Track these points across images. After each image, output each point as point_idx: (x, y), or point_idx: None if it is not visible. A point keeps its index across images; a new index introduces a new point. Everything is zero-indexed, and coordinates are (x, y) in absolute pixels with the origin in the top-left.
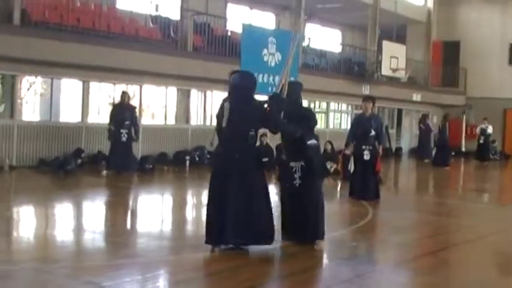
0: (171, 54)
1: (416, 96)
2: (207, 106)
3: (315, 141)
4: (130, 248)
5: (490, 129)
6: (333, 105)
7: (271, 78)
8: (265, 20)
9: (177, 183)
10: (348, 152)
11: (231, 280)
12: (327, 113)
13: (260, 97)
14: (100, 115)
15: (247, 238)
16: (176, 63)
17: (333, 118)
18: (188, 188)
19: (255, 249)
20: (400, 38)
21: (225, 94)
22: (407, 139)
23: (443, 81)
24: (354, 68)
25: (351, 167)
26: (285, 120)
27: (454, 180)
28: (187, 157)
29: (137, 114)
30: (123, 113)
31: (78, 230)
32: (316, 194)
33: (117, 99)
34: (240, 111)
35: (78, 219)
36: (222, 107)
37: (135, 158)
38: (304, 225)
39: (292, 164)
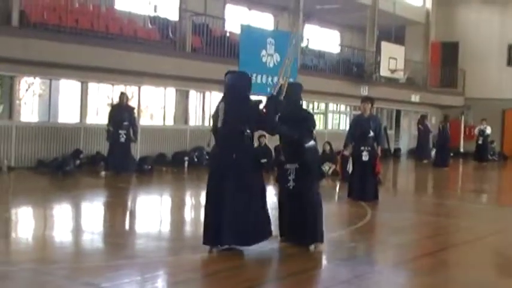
0: (169, 55)
1: (415, 97)
2: (206, 107)
3: (313, 143)
4: (129, 249)
5: (488, 130)
6: (332, 106)
7: (269, 79)
8: (264, 20)
9: (175, 184)
10: (346, 152)
11: (230, 281)
12: (325, 113)
13: (256, 97)
14: (99, 116)
15: (245, 238)
16: (175, 64)
17: (332, 119)
18: (187, 188)
19: (253, 250)
20: (399, 39)
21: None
22: (406, 140)
23: (442, 82)
24: (353, 69)
25: (350, 167)
26: (281, 122)
27: (453, 181)
28: (186, 158)
29: (136, 115)
30: (122, 114)
31: (77, 231)
32: (312, 196)
33: (116, 100)
34: (235, 111)
35: (77, 220)
36: (217, 108)
37: (133, 158)
38: (302, 227)
39: (287, 165)
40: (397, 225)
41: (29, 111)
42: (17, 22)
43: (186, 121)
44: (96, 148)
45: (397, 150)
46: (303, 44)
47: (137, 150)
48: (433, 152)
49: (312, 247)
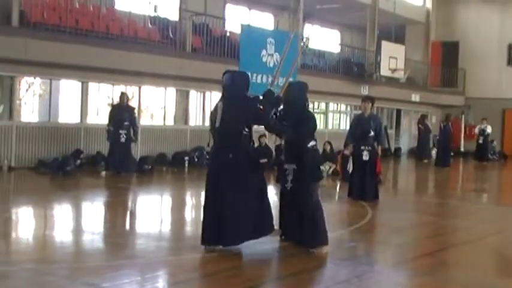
0: (169, 55)
1: (415, 97)
2: (206, 107)
3: (314, 144)
4: (129, 249)
5: (489, 129)
6: (332, 106)
7: (269, 79)
8: (264, 20)
9: (175, 184)
10: (347, 152)
11: (230, 281)
12: (325, 113)
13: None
14: (99, 116)
15: (245, 237)
16: (175, 64)
17: (332, 118)
18: (187, 188)
19: (253, 249)
20: (399, 39)
21: None
22: (406, 139)
23: (442, 82)
24: (353, 69)
25: (350, 167)
26: (279, 120)
27: (453, 181)
28: (186, 158)
29: (136, 115)
30: (122, 114)
31: (77, 231)
32: (310, 197)
33: (116, 100)
34: (232, 111)
35: (77, 220)
36: (215, 107)
37: (134, 158)
38: (301, 228)
39: (285, 166)
40: (397, 225)
41: (29, 111)
42: (17, 22)
43: (186, 121)
44: (97, 148)
45: (398, 149)
46: (303, 44)
47: (137, 150)
48: (434, 152)
49: (313, 250)
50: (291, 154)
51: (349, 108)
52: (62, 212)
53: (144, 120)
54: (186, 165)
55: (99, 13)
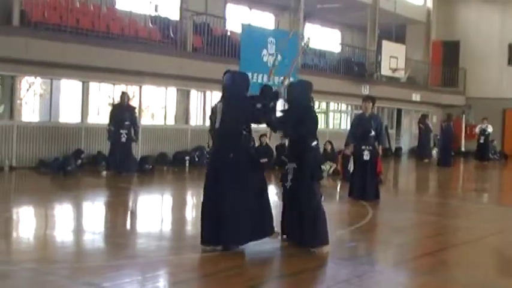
0: (170, 55)
1: (416, 96)
2: (207, 106)
3: (315, 144)
4: (130, 249)
5: (490, 129)
6: (333, 105)
7: (275, 79)
8: (265, 20)
9: (176, 183)
10: (347, 152)
11: (231, 280)
12: (326, 113)
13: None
14: (100, 116)
15: (245, 236)
16: (176, 64)
17: (333, 118)
18: (188, 188)
19: (254, 249)
20: (400, 38)
21: None
22: (407, 139)
23: (443, 81)
24: (354, 68)
25: (351, 167)
26: (278, 117)
27: (454, 180)
28: (187, 157)
29: (137, 114)
30: (123, 114)
31: (78, 230)
32: (310, 197)
33: (117, 100)
34: (232, 111)
35: (78, 220)
36: (215, 108)
37: (134, 158)
38: (301, 228)
39: (287, 165)
40: (398, 224)
41: (30, 111)
42: (18, 21)
43: (187, 121)
44: (97, 148)
45: (398, 149)
46: (304, 43)
47: (138, 150)
48: (434, 151)
49: (313, 250)
50: (293, 153)
51: (349, 108)
52: (62, 211)
53: (145, 120)
54: (187, 164)
55: (99, 13)
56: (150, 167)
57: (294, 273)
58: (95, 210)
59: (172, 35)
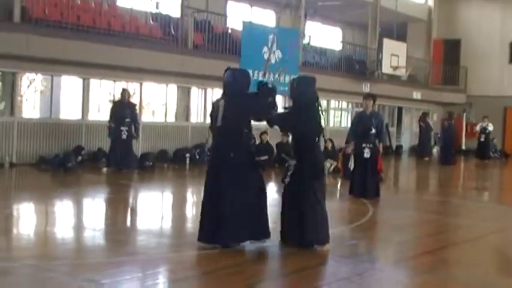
0: (171, 52)
1: (417, 94)
2: (207, 104)
3: (317, 141)
4: (130, 246)
5: (490, 127)
6: (333, 103)
7: (271, 76)
8: (266, 17)
9: (177, 180)
10: (348, 149)
11: (231, 278)
12: (327, 110)
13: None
14: (100, 112)
15: (244, 236)
16: (176, 61)
17: (333, 116)
18: (188, 185)
19: (254, 247)
20: (401, 36)
21: None
22: (408, 137)
23: (444, 79)
24: (355, 66)
25: (351, 165)
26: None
27: (455, 179)
28: (187, 155)
29: (137, 111)
30: (124, 111)
31: (79, 227)
32: (310, 195)
33: (118, 97)
34: (234, 108)
35: (79, 217)
36: (216, 105)
37: (135, 155)
38: (301, 226)
39: (288, 162)
40: (399, 222)
41: (30, 107)
42: (19, 18)
43: (187, 118)
44: (98, 145)
45: (399, 147)
46: (305, 41)
47: (139, 147)
48: (435, 150)
49: (314, 248)
50: (294, 150)
51: (350, 106)
52: (63, 208)
53: (146, 117)
54: (187, 162)
55: (100, 9)
56: (151, 164)
57: (295, 271)
58: (95, 207)
59: (173, 32)
